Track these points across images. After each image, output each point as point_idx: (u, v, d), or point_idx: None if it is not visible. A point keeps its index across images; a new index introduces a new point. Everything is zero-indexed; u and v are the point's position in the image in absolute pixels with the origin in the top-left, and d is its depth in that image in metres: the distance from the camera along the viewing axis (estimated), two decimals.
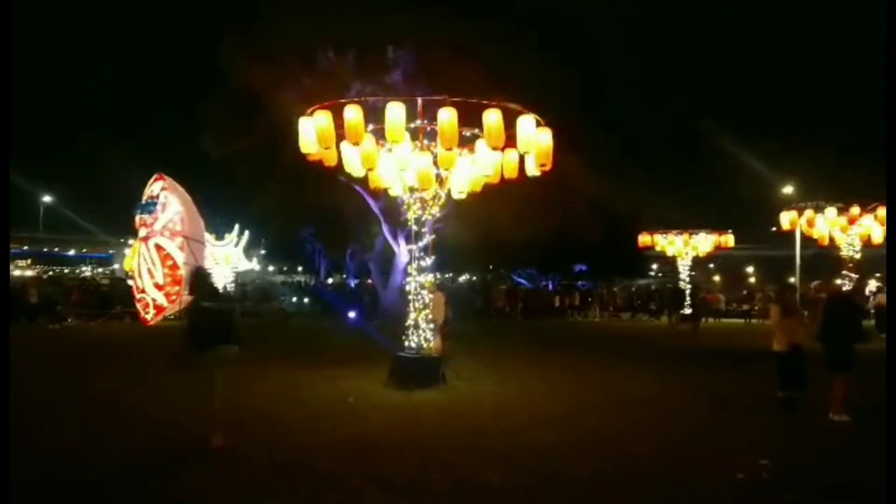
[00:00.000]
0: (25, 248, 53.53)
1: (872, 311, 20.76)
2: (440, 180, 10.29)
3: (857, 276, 20.24)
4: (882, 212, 18.76)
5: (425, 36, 20.49)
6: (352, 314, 23.67)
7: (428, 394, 9.22)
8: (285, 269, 50.20)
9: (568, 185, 20.75)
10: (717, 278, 46.02)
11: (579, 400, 9.09)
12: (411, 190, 10.37)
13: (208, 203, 18.26)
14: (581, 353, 15.06)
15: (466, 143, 10.03)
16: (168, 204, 13.81)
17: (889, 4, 8.97)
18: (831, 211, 19.74)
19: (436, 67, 19.21)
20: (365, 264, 31.34)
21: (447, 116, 8.96)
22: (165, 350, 7.69)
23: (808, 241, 25.81)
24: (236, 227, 29.20)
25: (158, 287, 13.81)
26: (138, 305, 14.98)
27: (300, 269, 48.18)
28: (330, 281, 42.86)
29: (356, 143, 9.40)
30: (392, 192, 11.17)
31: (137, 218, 14.23)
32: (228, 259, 28.87)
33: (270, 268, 43.86)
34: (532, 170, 10.07)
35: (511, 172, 10.21)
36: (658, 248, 27.28)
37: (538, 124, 9.50)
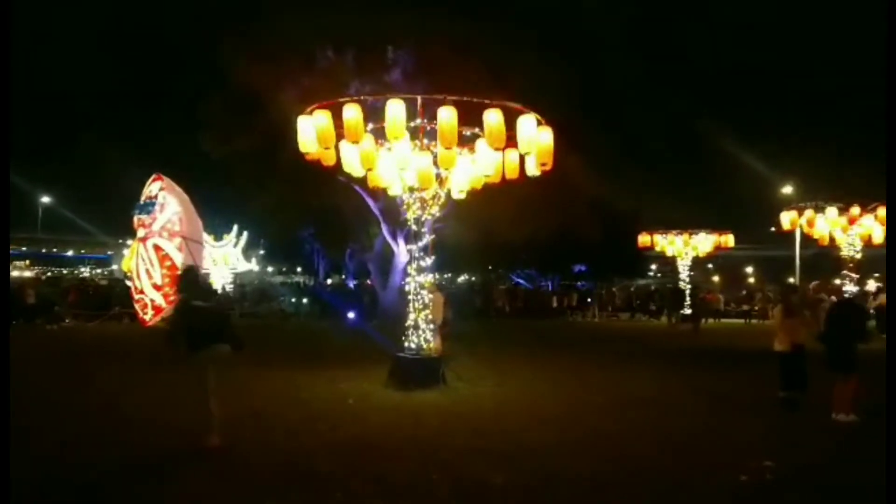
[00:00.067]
0: (24, 248, 53.57)
1: (873, 311, 20.75)
2: (440, 180, 10.26)
3: (857, 276, 20.23)
4: (882, 212, 18.76)
5: (425, 36, 20.47)
6: (351, 315, 23.65)
7: (428, 394, 9.20)
8: (284, 269, 50.19)
9: (568, 185, 20.75)
10: (716, 278, 46.03)
11: (579, 400, 9.08)
12: (411, 190, 10.35)
13: (207, 203, 18.33)
14: (581, 353, 15.04)
15: (466, 142, 10.00)
16: (166, 204, 13.87)
17: (889, 4, 8.95)
18: (832, 211, 19.73)
19: (435, 67, 19.20)
20: (364, 265, 31.33)
21: (447, 115, 8.93)
22: (161, 350, 7.66)
23: (807, 241, 25.83)
24: (235, 227, 29.21)
25: (157, 287, 13.85)
26: (137, 306, 15.03)
27: (299, 269, 48.15)
28: (329, 281, 42.83)
29: (355, 143, 9.37)
30: (391, 192, 11.15)
31: (136, 218, 14.28)
32: (227, 259, 28.88)
33: (269, 268, 43.85)
34: (533, 169, 10.05)
35: (512, 173, 10.18)
36: (658, 249, 27.28)
37: (539, 123, 9.47)
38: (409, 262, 11.14)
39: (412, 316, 10.31)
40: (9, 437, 5.00)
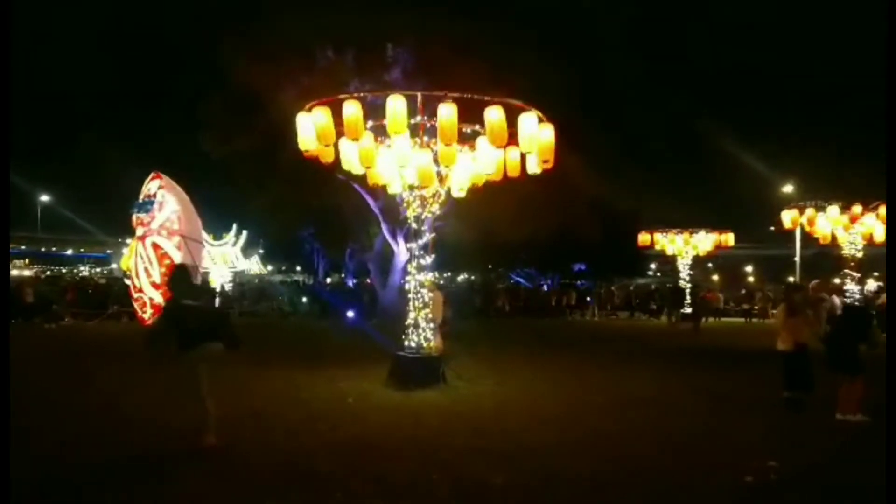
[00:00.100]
0: (23, 247, 53.57)
1: (873, 312, 20.73)
2: (440, 178, 10.24)
3: (858, 275, 20.21)
4: (884, 210, 18.74)
5: (425, 35, 20.45)
6: (350, 314, 23.63)
7: (428, 394, 9.19)
8: (284, 268, 50.17)
9: (568, 184, 20.72)
10: (715, 277, 46.07)
11: (579, 400, 9.07)
12: (411, 188, 10.33)
13: (207, 203, 18.32)
14: (581, 352, 15.03)
15: (467, 139, 9.99)
16: (165, 203, 13.86)
17: (889, 4, 8.94)
18: (833, 209, 19.70)
19: (435, 67, 19.17)
20: (364, 264, 31.29)
21: (447, 112, 8.90)
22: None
23: (807, 240, 25.83)
24: (234, 226, 29.21)
25: (156, 286, 13.83)
26: (135, 305, 15.01)
27: (298, 268, 48.14)
28: (329, 280, 42.81)
29: (355, 140, 9.35)
30: (391, 190, 11.13)
31: (134, 217, 14.26)
32: (226, 258, 28.88)
33: (269, 267, 43.84)
34: (534, 167, 10.04)
35: (513, 170, 10.16)
36: (658, 247, 27.30)
37: (540, 120, 9.45)
38: (408, 261, 11.12)
39: (412, 315, 10.29)
40: (9, 437, 5.00)
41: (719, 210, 42.27)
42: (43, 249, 59.44)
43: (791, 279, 28.74)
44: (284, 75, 20.15)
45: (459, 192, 10.84)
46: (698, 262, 28.25)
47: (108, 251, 54.27)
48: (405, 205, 10.60)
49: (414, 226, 10.55)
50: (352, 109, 8.95)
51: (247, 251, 32.22)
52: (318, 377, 10.43)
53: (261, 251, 36.91)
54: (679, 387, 10.25)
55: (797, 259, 32.77)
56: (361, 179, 12.35)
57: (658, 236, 26.79)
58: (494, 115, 8.99)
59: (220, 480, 5.42)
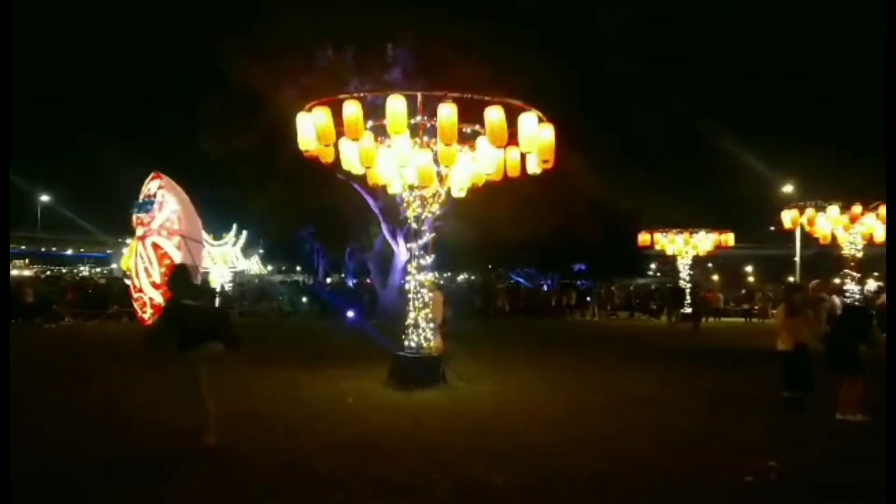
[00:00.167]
0: (23, 247, 53.58)
1: (874, 311, 20.72)
2: (440, 177, 10.24)
3: (858, 275, 20.21)
4: (884, 210, 18.73)
5: (425, 35, 20.45)
6: (350, 314, 23.63)
7: (428, 394, 9.18)
8: (284, 268, 50.17)
9: (568, 184, 20.73)
10: (715, 277, 46.10)
11: (580, 400, 9.07)
12: (411, 188, 10.33)
13: (207, 203, 18.31)
14: (581, 352, 15.03)
15: (467, 139, 9.98)
16: (165, 202, 13.86)
17: (889, 4, 8.94)
18: (833, 209, 19.70)
19: (435, 66, 19.17)
20: (364, 264, 31.28)
21: (447, 112, 8.90)
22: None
23: (806, 240, 25.81)
24: (234, 226, 29.19)
25: (155, 286, 13.83)
26: (135, 305, 15.00)
27: (298, 268, 48.14)
28: (329, 280, 42.81)
29: (355, 140, 9.35)
30: (391, 190, 11.13)
31: (134, 217, 14.26)
32: (226, 258, 28.88)
33: (269, 267, 43.86)
34: (534, 167, 10.03)
35: (514, 170, 10.16)
36: (658, 247, 27.30)
37: (540, 120, 9.45)
38: (408, 261, 11.12)
39: (412, 315, 10.29)
40: (9, 437, 5.00)
41: (719, 210, 42.35)
42: (43, 249, 59.45)
43: (791, 279, 28.74)
44: (284, 75, 20.15)
45: (459, 192, 10.84)
46: (698, 262, 28.25)
47: (109, 251, 54.28)
48: (405, 205, 10.60)
49: (414, 226, 10.54)
50: (352, 109, 8.94)
51: (247, 251, 32.21)
52: (318, 377, 10.42)
53: (261, 251, 36.90)
54: (679, 387, 10.25)
55: (797, 259, 32.79)
56: (361, 179, 12.35)
57: (658, 236, 26.79)
58: (494, 114, 8.98)
59: (220, 480, 5.42)
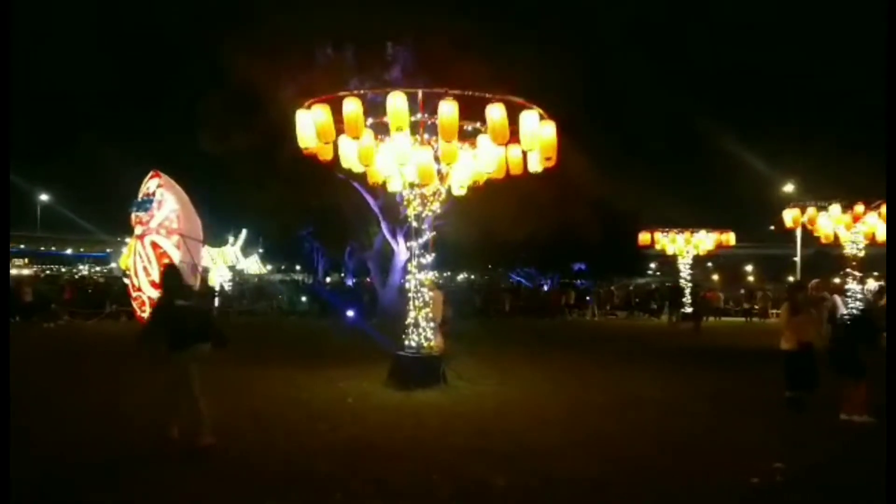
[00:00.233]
0: (22, 246, 53.55)
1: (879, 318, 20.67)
2: (441, 175, 10.21)
3: (860, 274, 20.17)
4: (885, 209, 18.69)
5: (425, 33, 20.43)
6: (350, 313, 23.60)
7: (429, 394, 9.15)
8: (283, 267, 50.15)
9: (568, 183, 20.71)
10: (715, 277, 46.08)
11: (580, 400, 9.04)
12: (411, 186, 10.29)
13: (206, 203, 18.28)
14: (581, 352, 15.01)
15: (467, 137, 9.95)
16: (164, 201, 13.84)
17: (889, 4, 8.91)
18: (835, 208, 19.66)
19: (436, 64, 19.15)
20: (363, 263, 31.25)
21: (448, 109, 8.86)
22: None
23: (807, 239, 25.78)
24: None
25: (154, 285, 13.80)
26: (134, 303, 14.97)
27: (298, 267, 48.12)
28: (328, 280, 42.79)
29: (355, 138, 9.31)
30: (391, 188, 11.09)
31: (133, 215, 14.23)
32: (225, 258, 28.87)
33: (268, 266, 43.84)
34: (536, 165, 10.00)
35: (515, 168, 10.13)
36: (658, 247, 27.28)
37: (541, 118, 9.41)
38: (408, 260, 11.08)
39: (412, 314, 10.25)
40: (9, 437, 4.98)
41: (719, 210, 42.31)
42: (42, 249, 59.43)
43: (792, 278, 28.73)
44: (284, 73, 20.12)
45: (460, 190, 10.81)
46: (699, 262, 28.25)
47: (108, 250, 54.27)
48: (405, 203, 10.56)
49: (414, 224, 10.50)
50: (352, 107, 8.91)
51: (246, 250, 32.21)
52: (318, 377, 10.39)
53: (260, 250, 36.89)
54: (680, 387, 10.23)
55: (797, 259, 32.78)
56: (361, 178, 12.33)
57: (658, 236, 26.76)
58: (496, 112, 8.94)
59: (220, 480, 5.40)
